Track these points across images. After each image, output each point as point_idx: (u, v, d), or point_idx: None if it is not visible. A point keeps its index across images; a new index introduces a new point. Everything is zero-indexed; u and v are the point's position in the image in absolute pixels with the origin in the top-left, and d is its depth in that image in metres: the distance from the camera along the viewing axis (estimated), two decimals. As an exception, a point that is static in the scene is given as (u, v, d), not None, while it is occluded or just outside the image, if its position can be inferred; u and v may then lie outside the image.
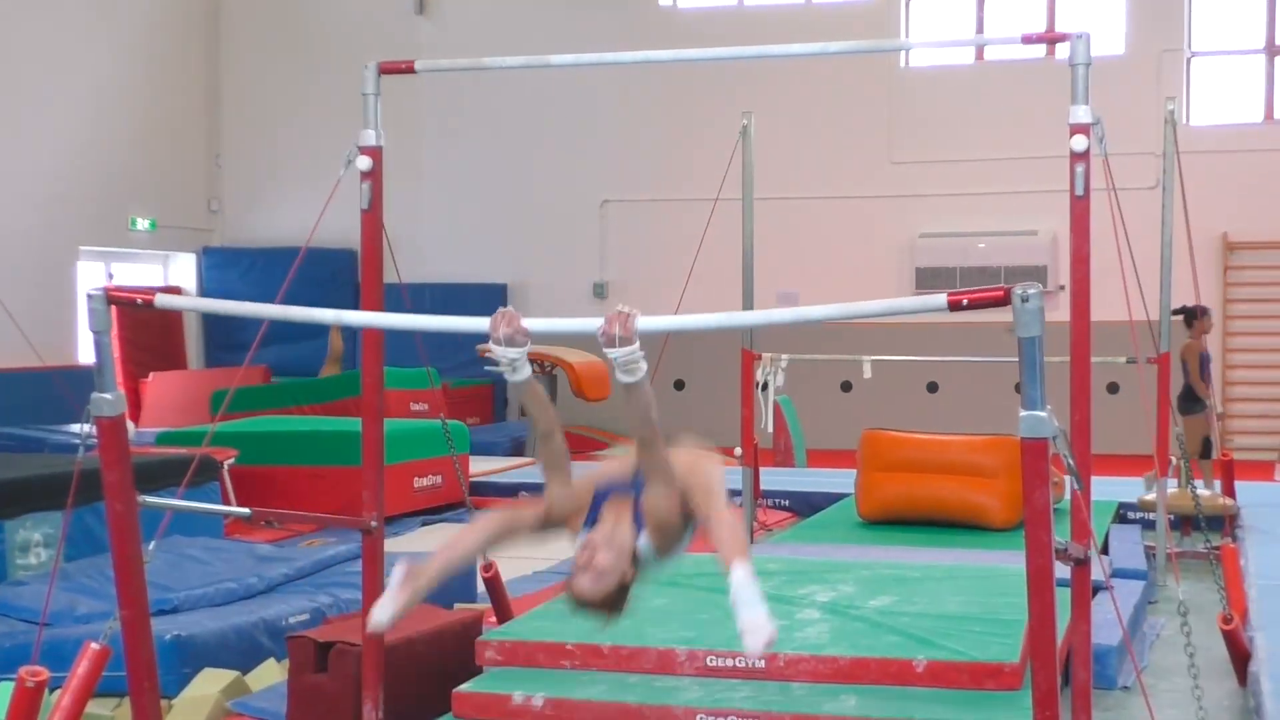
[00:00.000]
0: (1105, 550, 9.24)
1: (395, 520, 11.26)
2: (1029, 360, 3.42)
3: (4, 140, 17.08)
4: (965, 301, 3.43)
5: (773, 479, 12.14)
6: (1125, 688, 6.81)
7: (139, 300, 4.36)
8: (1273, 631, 6.61)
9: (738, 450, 9.94)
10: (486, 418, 18.86)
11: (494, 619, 6.83)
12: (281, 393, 15.73)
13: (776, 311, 3.77)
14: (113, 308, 4.23)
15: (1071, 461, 3.98)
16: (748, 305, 9.72)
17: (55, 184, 17.80)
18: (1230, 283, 17.50)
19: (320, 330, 19.41)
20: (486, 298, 18.61)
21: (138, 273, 19.81)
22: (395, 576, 3.86)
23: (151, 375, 18.05)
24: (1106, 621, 6.70)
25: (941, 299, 3.47)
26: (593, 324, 3.70)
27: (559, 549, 10.28)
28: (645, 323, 3.68)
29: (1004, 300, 3.38)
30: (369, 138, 5.37)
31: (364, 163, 5.34)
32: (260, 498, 10.90)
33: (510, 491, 12.95)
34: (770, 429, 11.33)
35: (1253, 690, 6.03)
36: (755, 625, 3.64)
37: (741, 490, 9.80)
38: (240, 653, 6.47)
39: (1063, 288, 15.75)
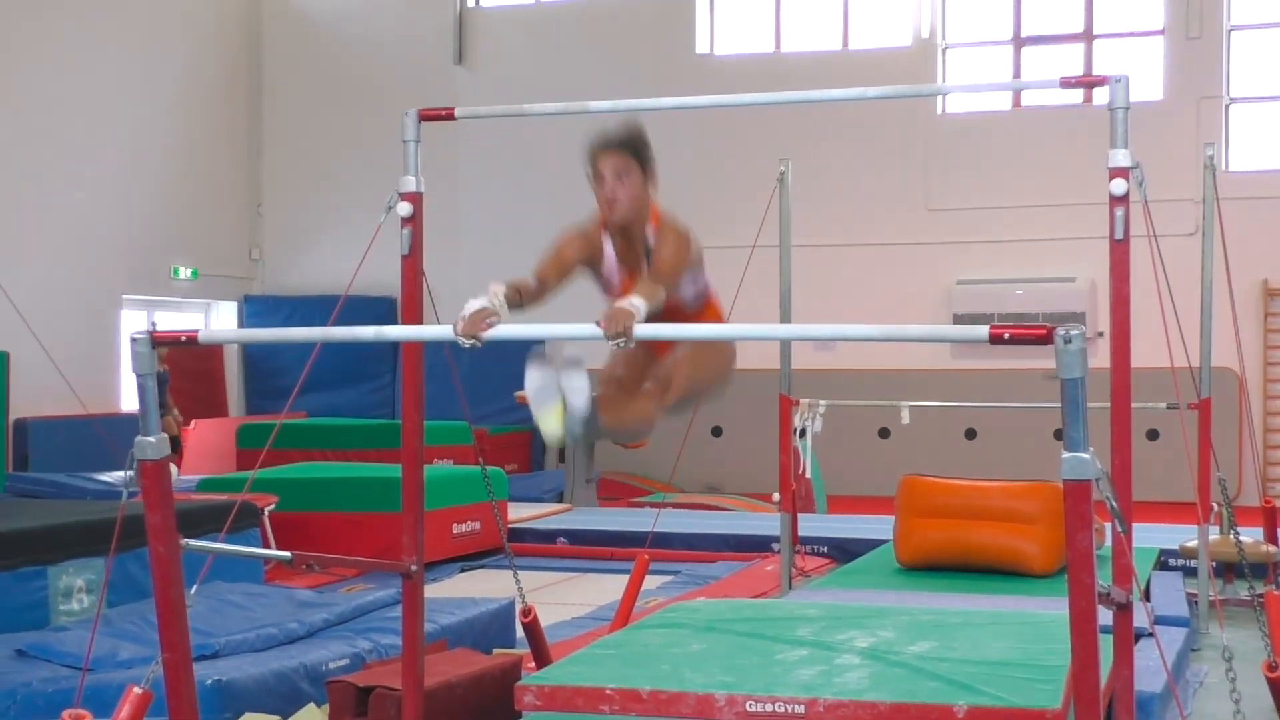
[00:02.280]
0: (1147, 597, 9.16)
1: (434, 566, 11.28)
2: (1071, 402, 3.41)
3: (49, 190, 17.25)
4: (1007, 335, 3.42)
5: (810, 525, 12.11)
6: (1169, 735, 6.75)
7: (183, 338, 4.39)
8: (1318, 679, 6.54)
9: (775, 496, 9.92)
10: (525, 465, 18.89)
11: (533, 664, 6.81)
12: (322, 433, 15.81)
13: (815, 327, 3.80)
14: (156, 351, 4.25)
15: (1115, 504, 3.96)
16: (784, 351, 9.72)
17: (99, 233, 17.97)
18: (1271, 329, 17.41)
19: (359, 378, 19.54)
20: (525, 341, 18.67)
21: (180, 321, 19.95)
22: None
23: (194, 423, 18.14)
24: (1149, 668, 6.64)
25: (983, 330, 3.47)
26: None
27: (596, 595, 10.27)
28: (685, 330, 3.92)
29: (1046, 338, 3.36)
30: (409, 184, 5.40)
31: (404, 208, 5.37)
32: (300, 543, 10.90)
33: (549, 538, 12.94)
34: (808, 474, 11.28)
35: (1298, 738, 5.97)
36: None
37: (780, 536, 9.78)
38: (281, 697, 6.47)
39: (1101, 334, 15.70)
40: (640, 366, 5.25)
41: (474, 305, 4.38)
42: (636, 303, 4.40)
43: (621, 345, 4.21)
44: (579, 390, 4.87)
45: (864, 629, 6.26)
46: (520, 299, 4.76)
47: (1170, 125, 17.05)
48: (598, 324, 4.22)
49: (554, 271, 5.07)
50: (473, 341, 4.30)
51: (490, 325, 4.32)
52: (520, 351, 4.67)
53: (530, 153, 19.40)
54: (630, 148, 5.12)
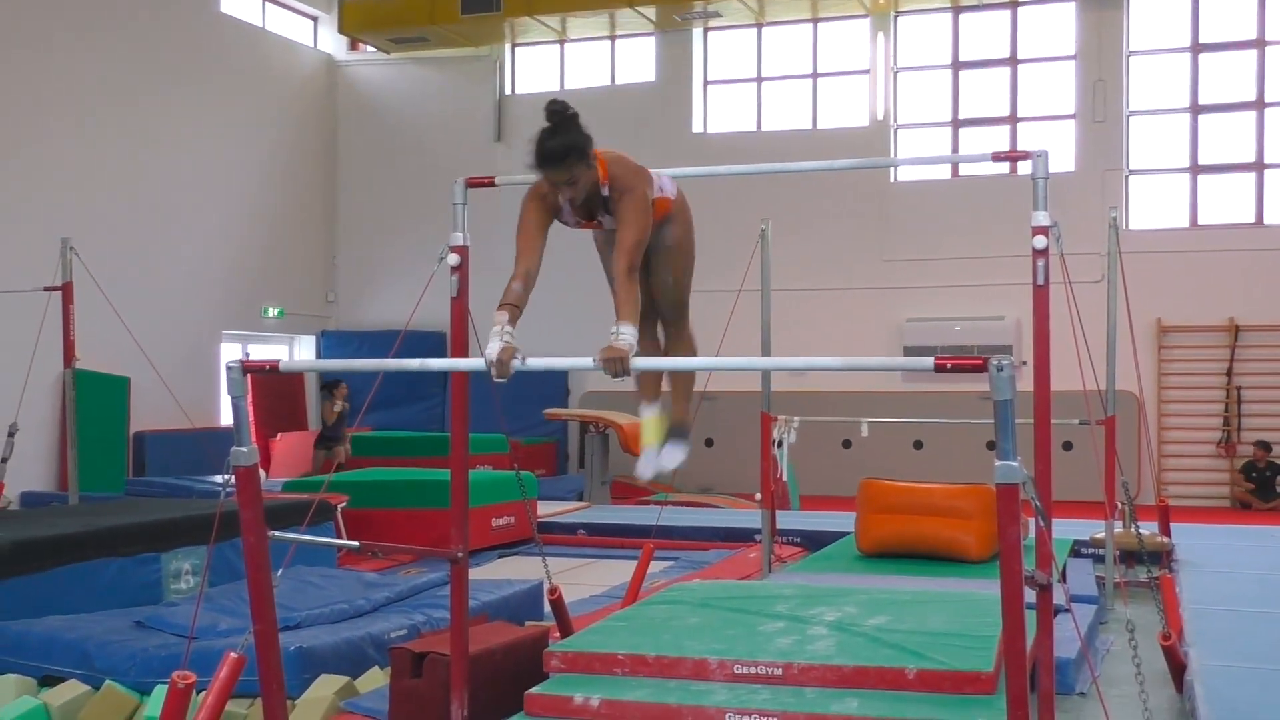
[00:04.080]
0: (1064, 579, 9.12)
1: (477, 553, 11.25)
2: (1002, 419, 3.40)
3: (164, 244, 17.31)
4: (950, 365, 3.41)
5: (785, 519, 12.07)
6: (1082, 694, 6.73)
7: (267, 367, 4.39)
8: (1204, 647, 6.53)
9: (758, 495, 9.90)
10: (551, 469, 18.86)
11: (558, 634, 6.80)
12: (385, 444, 15.80)
13: (789, 359, 3.77)
14: (247, 377, 4.26)
15: (1037, 503, 3.95)
16: (765, 377, 9.71)
17: (203, 280, 18.02)
18: (1163, 359, 17.39)
19: (416, 397, 19.53)
20: (552, 375, 18.66)
21: (268, 352, 19.96)
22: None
23: (279, 435, 18.15)
24: (1066, 638, 6.62)
25: (929, 361, 3.47)
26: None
27: (609, 578, 10.20)
28: (690, 362, 3.96)
29: (982, 368, 3.36)
30: (457, 239, 5.42)
31: (453, 259, 5.39)
32: (367, 534, 10.91)
33: (571, 530, 12.92)
34: (785, 478, 11.26)
35: (1188, 696, 5.95)
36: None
37: (761, 529, 9.76)
38: (351, 661, 6.46)
39: (1025, 363, 15.68)
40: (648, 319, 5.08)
41: (496, 346, 4.34)
42: (626, 335, 4.29)
43: (622, 377, 4.23)
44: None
45: (831, 605, 6.24)
46: (520, 311, 4.57)
47: (1081, 192, 17.07)
48: (597, 361, 4.20)
49: (534, 256, 4.74)
50: (503, 378, 4.30)
51: (516, 362, 4.30)
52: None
53: (556, 214, 19.41)
54: (564, 160, 4.53)
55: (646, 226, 4.65)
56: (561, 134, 4.52)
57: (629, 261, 4.53)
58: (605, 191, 4.71)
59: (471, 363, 4.42)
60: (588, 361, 4.25)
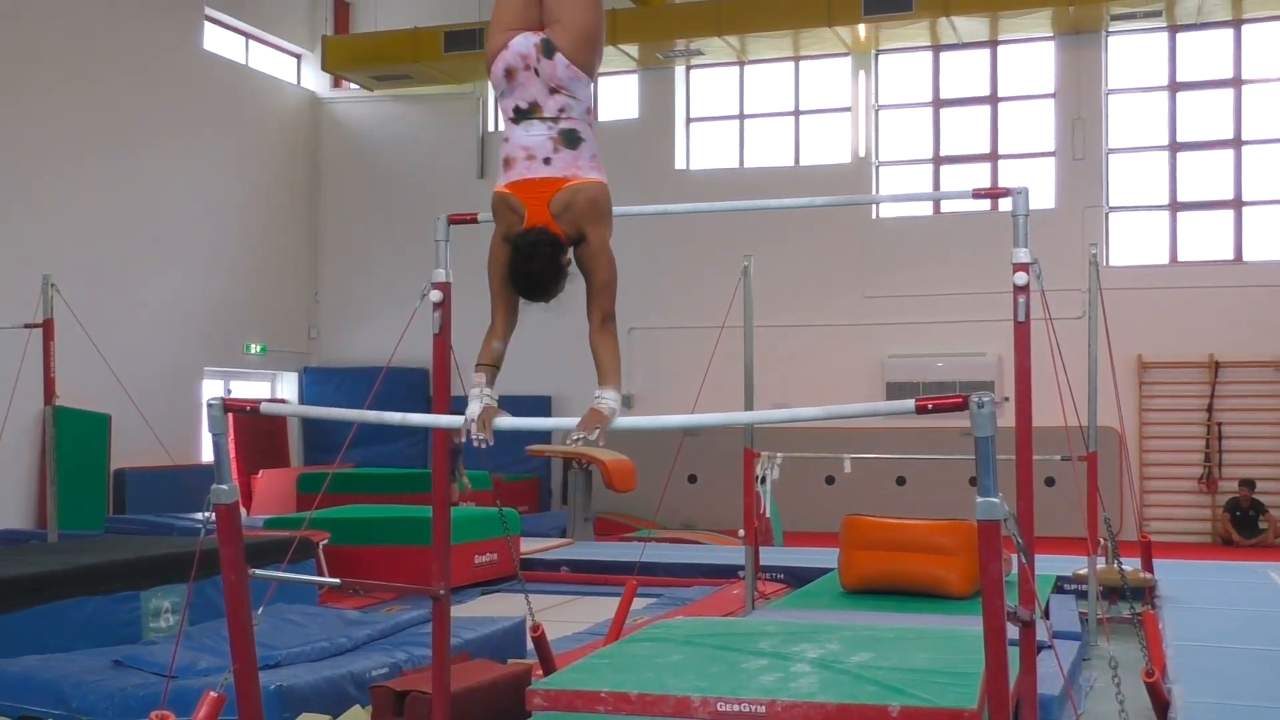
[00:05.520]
0: (1046, 615, 9.11)
1: (459, 590, 11.20)
2: (983, 456, 3.40)
3: (146, 280, 17.26)
4: (930, 406, 3.41)
5: (769, 556, 12.04)
6: (1065, 730, 6.70)
7: (248, 407, 4.38)
8: (1188, 684, 6.51)
9: (741, 532, 9.87)
10: (534, 506, 18.81)
11: (541, 672, 6.76)
12: (367, 481, 15.72)
13: (772, 411, 3.77)
14: (228, 415, 4.24)
15: (1019, 539, 3.95)
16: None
17: (185, 315, 17.97)
18: (1144, 395, 17.44)
19: (398, 434, 19.46)
20: (535, 408, 18.61)
21: (251, 388, 19.89)
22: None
23: (261, 472, 18.06)
24: (1049, 674, 6.60)
25: (910, 403, 3.46)
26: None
27: (592, 614, 10.15)
28: (671, 420, 3.85)
29: (962, 406, 3.36)
30: (439, 275, 5.42)
31: (435, 296, 5.39)
32: (348, 572, 10.84)
33: (554, 567, 12.87)
34: (768, 514, 11.24)
35: (1172, 733, 5.93)
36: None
37: (745, 565, 9.73)
38: (332, 700, 6.41)
39: (1007, 399, 15.70)
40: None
41: (476, 409, 4.28)
42: (610, 401, 4.25)
43: (595, 439, 4.19)
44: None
45: (814, 643, 6.21)
46: (498, 370, 4.46)
47: (1061, 229, 17.16)
48: (578, 428, 4.23)
49: (508, 319, 4.60)
50: (485, 440, 4.24)
51: (495, 423, 4.25)
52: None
53: (539, 250, 19.41)
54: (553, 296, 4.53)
55: (615, 274, 4.56)
56: (550, 281, 4.53)
57: (602, 312, 4.45)
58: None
59: (452, 420, 4.39)
60: (568, 423, 4.25)
